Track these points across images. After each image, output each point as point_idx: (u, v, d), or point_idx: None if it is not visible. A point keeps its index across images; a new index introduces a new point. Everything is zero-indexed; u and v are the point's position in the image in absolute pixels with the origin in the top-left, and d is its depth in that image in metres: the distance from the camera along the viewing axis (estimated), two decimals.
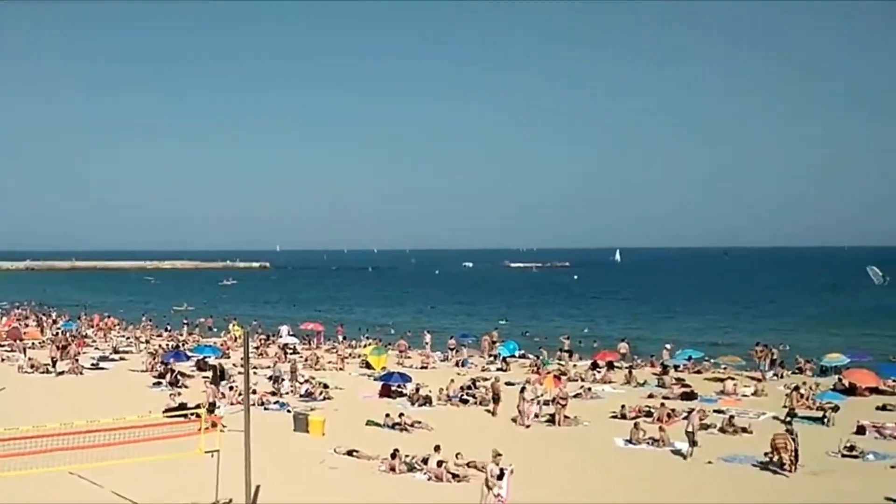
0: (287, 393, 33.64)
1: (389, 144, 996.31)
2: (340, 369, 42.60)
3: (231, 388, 32.87)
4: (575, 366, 42.33)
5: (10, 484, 16.78)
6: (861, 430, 26.09)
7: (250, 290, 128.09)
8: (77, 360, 41.56)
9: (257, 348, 47.89)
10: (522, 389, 29.46)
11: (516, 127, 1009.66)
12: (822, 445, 24.06)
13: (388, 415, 27.97)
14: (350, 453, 23.29)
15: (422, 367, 42.66)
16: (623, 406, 29.95)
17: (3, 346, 49.54)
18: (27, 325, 61.15)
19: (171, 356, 41.08)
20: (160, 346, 49.26)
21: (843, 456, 23.31)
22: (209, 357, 42.55)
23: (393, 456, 21.84)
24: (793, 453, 21.61)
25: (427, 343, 49.60)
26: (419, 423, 27.67)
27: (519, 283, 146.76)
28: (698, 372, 40.23)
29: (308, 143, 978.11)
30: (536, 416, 28.70)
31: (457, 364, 43.83)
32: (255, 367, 36.52)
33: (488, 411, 30.26)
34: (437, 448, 21.82)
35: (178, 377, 36.36)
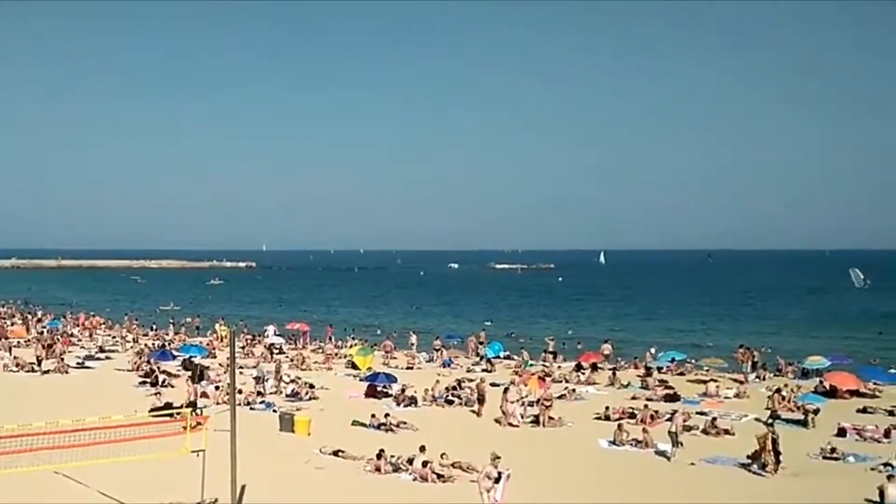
0: (272, 393, 33.67)
1: (377, 145, 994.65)
2: (329, 369, 42.70)
3: (217, 388, 32.90)
4: (559, 367, 42.51)
5: None
6: (842, 433, 26.37)
7: (236, 289, 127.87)
8: (62, 359, 41.46)
9: (243, 348, 47.89)
10: (506, 390, 29.62)
11: (503, 128, 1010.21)
12: (804, 447, 24.28)
13: (373, 415, 28.05)
14: (336, 453, 23.37)
15: (407, 368, 42.77)
16: (607, 407, 30.13)
17: None
18: (12, 324, 60.89)
19: (157, 355, 41.07)
20: (146, 345, 49.19)
21: (825, 458, 23.54)
22: (195, 356, 42.54)
23: (378, 456, 21.94)
24: (774, 455, 21.85)
25: (413, 344, 49.70)
26: (405, 423, 27.77)
27: (504, 284, 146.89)
28: (681, 374, 40.51)
29: (295, 144, 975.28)
30: (521, 416, 28.86)
31: (443, 365, 43.90)
32: (241, 367, 36.58)
33: (473, 412, 30.38)
34: (422, 448, 21.93)
35: (158, 377, 36.29)
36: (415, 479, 21.05)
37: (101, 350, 48.18)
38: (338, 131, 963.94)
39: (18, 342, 49.85)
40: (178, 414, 20.35)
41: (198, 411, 24.62)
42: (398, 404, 31.74)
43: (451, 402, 32.33)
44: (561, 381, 37.76)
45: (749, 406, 31.84)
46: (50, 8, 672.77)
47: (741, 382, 36.97)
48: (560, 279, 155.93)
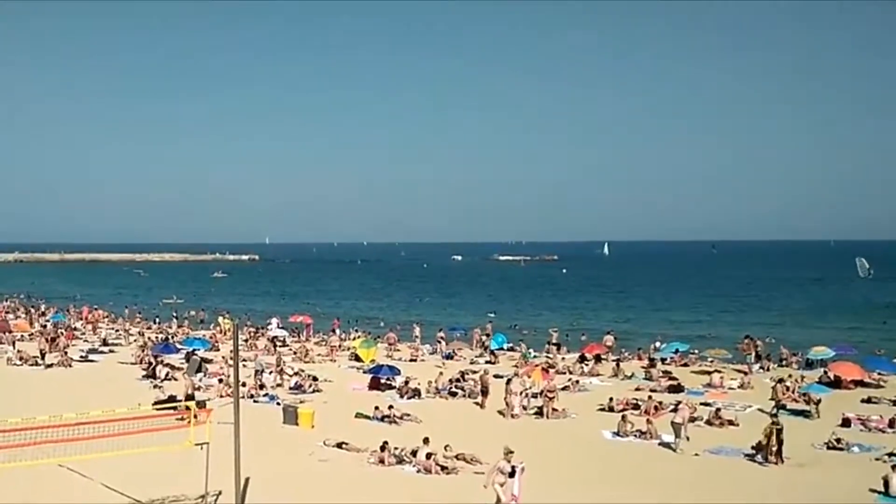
0: (273, 386, 33.60)
1: (380, 140, 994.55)
2: (333, 361, 42.73)
3: (220, 381, 32.90)
4: (563, 359, 42.47)
5: (1, 476, 16.78)
6: (846, 423, 26.32)
7: (240, 282, 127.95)
8: (66, 353, 41.48)
9: (246, 341, 47.87)
10: (509, 382, 29.61)
11: (506, 121, 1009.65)
12: (808, 438, 24.26)
13: (377, 407, 28.04)
14: (339, 445, 23.37)
15: (411, 360, 42.75)
16: (611, 399, 30.11)
17: None
18: (16, 318, 60.95)
19: (160, 348, 41.08)
20: (149, 338, 49.20)
21: (829, 448, 23.51)
22: (198, 349, 42.56)
23: (382, 448, 21.94)
24: (777, 445, 21.82)
25: (417, 336, 49.65)
26: (408, 415, 27.77)
27: (507, 276, 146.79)
28: (685, 365, 40.45)
29: (299, 137, 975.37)
30: (524, 408, 28.85)
31: (442, 357, 43.82)
32: (244, 360, 36.53)
33: (477, 404, 30.39)
34: (426, 440, 21.93)
35: (156, 370, 36.27)
36: (418, 471, 21.04)
37: (105, 343, 48.19)
38: (341, 127, 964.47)
39: (22, 336, 49.91)
40: (183, 407, 20.29)
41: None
42: (402, 396, 31.73)
43: (454, 394, 32.33)
44: (565, 373, 37.75)
45: (753, 397, 31.80)
46: (50, 8, 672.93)
47: (745, 373, 36.91)
48: (564, 271, 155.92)
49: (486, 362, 41.61)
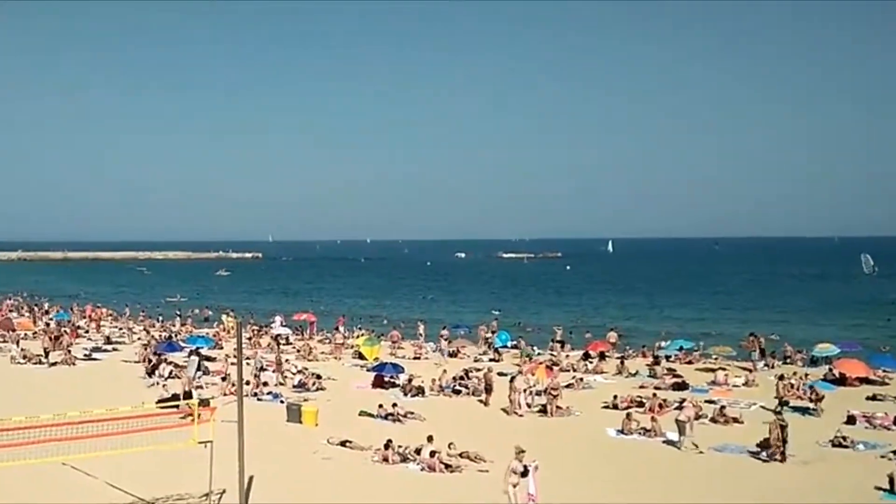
0: (276, 384, 33.54)
1: (384, 135, 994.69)
2: (337, 358, 42.74)
3: (223, 379, 32.88)
4: (567, 356, 42.42)
5: (4, 475, 16.76)
6: (851, 420, 26.26)
7: (243, 280, 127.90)
8: (70, 351, 41.49)
9: (250, 339, 47.87)
10: (512, 379, 29.58)
11: (510, 118, 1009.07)
12: (813, 435, 24.22)
13: (381, 405, 28.01)
14: (343, 444, 23.35)
15: (414, 358, 42.72)
16: (615, 396, 30.08)
17: None
18: (20, 316, 60.99)
19: (164, 347, 41.06)
20: (153, 336, 49.20)
21: (834, 446, 23.47)
22: (202, 348, 42.56)
23: (386, 446, 21.92)
24: (781, 442, 21.77)
25: (421, 334, 49.59)
26: (412, 413, 27.74)
27: (511, 273, 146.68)
28: (689, 362, 40.37)
29: (301, 134, 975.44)
30: (528, 406, 28.82)
31: (441, 354, 43.74)
32: (247, 358, 36.51)
33: (481, 401, 30.36)
34: (429, 438, 21.91)
35: (156, 368, 36.25)
36: (423, 469, 21.01)
37: (108, 341, 48.19)
38: (344, 122, 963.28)
39: (26, 334, 49.93)
40: (185, 405, 20.29)
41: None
42: (405, 394, 31.70)
43: (458, 392, 32.29)
44: (569, 371, 37.70)
45: (758, 394, 31.73)
46: (50, 7, 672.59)
47: (750, 370, 36.84)
48: (568, 268, 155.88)
49: (490, 360, 41.58)
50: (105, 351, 44.90)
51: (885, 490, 18.85)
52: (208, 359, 40.05)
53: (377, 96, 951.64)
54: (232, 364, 34.19)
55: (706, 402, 29.29)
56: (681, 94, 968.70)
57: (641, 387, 33.46)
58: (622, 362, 38.86)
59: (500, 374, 34.23)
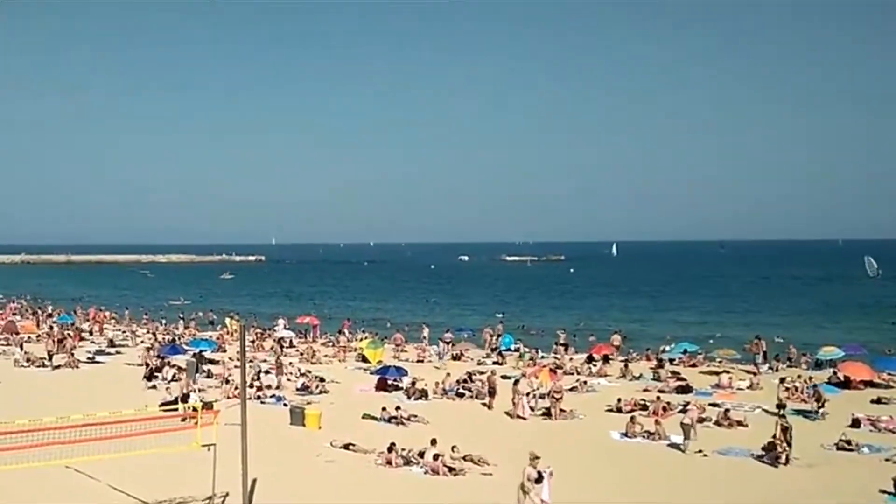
0: (278, 387, 33.49)
1: (386, 136, 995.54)
2: (342, 360, 42.79)
3: (227, 382, 32.88)
4: (571, 359, 42.37)
5: (7, 478, 16.76)
6: (856, 424, 26.19)
7: (246, 283, 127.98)
8: (73, 354, 41.51)
9: (253, 342, 47.85)
10: (516, 382, 29.56)
11: (514, 120, 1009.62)
12: (818, 438, 24.17)
13: (384, 408, 27.97)
14: (346, 447, 23.33)
15: (418, 361, 42.68)
16: (619, 399, 30.05)
17: None
18: (24, 319, 61.03)
19: (167, 350, 41.05)
20: (157, 339, 49.22)
21: (838, 449, 23.41)
22: (205, 350, 42.56)
23: (389, 449, 21.90)
24: (785, 445, 21.73)
25: (425, 337, 49.54)
26: (415, 416, 27.70)
27: (514, 276, 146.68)
28: (694, 365, 40.31)
29: (303, 135, 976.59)
30: (532, 409, 28.78)
31: (456, 357, 43.70)
32: (251, 361, 36.51)
33: (484, 405, 30.31)
34: (433, 441, 21.89)
35: (155, 372, 36.27)
36: (426, 473, 20.98)
37: (112, 344, 48.19)
38: (345, 123, 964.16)
39: (29, 337, 49.97)
40: (189, 408, 20.25)
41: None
42: (409, 397, 31.67)
43: (461, 395, 32.26)
44: (572, 374, 37.65)
45: (762, 397, 31.64)
46: (49, 7, 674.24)
47: (754, 374, 36.77)
48: (571, 271, 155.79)
49: (494, 363, 41.54)
50: (108, 354, 44.88)
51: (889, 493, 18.80)
52: (211, 362, 40.11)
53: (378, 97, 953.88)
54: (235, 367, 34.22)
55: (710, 405, 29.25)
56: (684, 95, 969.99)
57: (645, 390, 33.41)
58: (626, 365, 38.83)
59: (503, 377, 34.20)
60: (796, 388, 31.16)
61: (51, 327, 54.75)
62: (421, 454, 21.71)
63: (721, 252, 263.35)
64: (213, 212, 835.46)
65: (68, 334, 49.16)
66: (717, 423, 26.54)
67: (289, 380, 35.01)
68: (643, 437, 25.08)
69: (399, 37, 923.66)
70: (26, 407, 24.91)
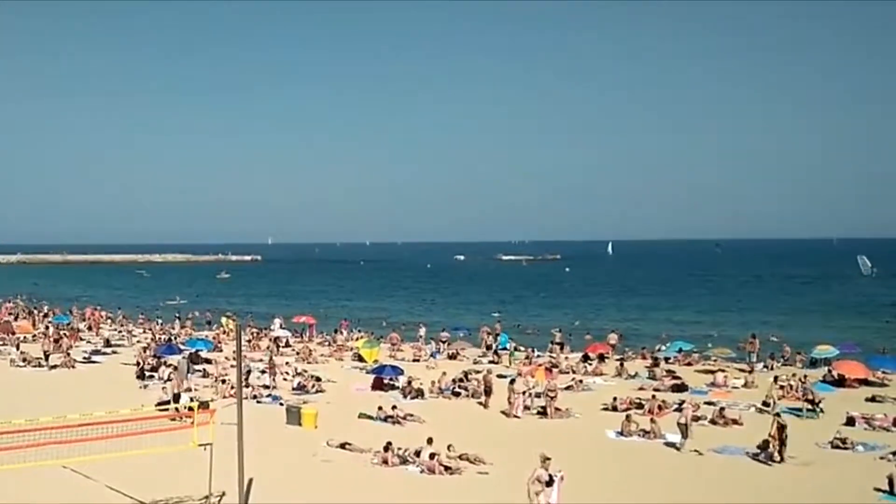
0: (271, 386, 33.44)
1: (383, 140, 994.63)
2: (339, 359, 42.85)
3: (223, 382, 32.89)
4: (566, 358, 42.44)
5: (3, 478, 16.77)
6: (850, 422, 26.28)
7: (242, 283, 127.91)
8: (69, 354, 41.48)
9: (249, 342, 47.87)
10: (512, 381, 29.61)
11: (510, 120, 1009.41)
12: (812, 437, 24.24)
13: (380, 407, 28.00)
14: (343, 446, 23.35)
15: (414, 360, 42.71)
16: (614, 398, 30.10)
17: None
18: (15, 318, 60.95)
19: (163, 350, 41.05)
20: (152, 338, 49.22)
21: (833, 447, 23.49)
22: (202, 350, 42.60)
23: (386, 448, 21.92)
24: (780, 443, 21.80)
25: (421, 336, 49.59)
26: (412, 415, 27.73)
27: (511, 275, 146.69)
28: (689, 364, 40.41)
29: (301, 136, 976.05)
30: (527, 408, 28.83)
31: (452, 356, 43.73)
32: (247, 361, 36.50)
33: (480, 404, 30.37)
34: (429, 440, 21.91)
35: (145, 371, 36.31)
36: (422, 472, 21.01)
37: (108, 344, 48.18)
38: (342, 128, 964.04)
39: (25, 337, 49.92)
40: (185, 408, 20.28)
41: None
42: (405, 396, 31.70)
43: (457, 394, 32.30)
44: (568, 372, 37.71)
45: (757, 395, 31.64)
46: (50, 8, 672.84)
47: (749, 372, 36.85)
48: (567, 270, 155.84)
49: (490, 362, 41.59)
50: (105, 354, 44.88)
51: (884, 491, 18.87)
52: (207, 361, 40.12)
53: (374, 98, 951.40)
54: (232, 366, 34.26)
55: (705, 403, 29.34)
56: (681, 96, 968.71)
57: (641, 388, 33.51)
58: (621, 364, 38.90)
59: (499, 376, 34.27)
60: (791, 387, 31.23)
61: (46, 327, 54.80)
62: (417, 453, 21.72)
63: (717, 251, 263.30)
64: (210, 212, 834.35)
65: (64, 334, 49.19)
66: (713, 422, 26.60)
67: (285, 379, 35.01)
68: (639, 435, 25.13)
69: (395, 37, 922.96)
70: (23, 407, 24.88)
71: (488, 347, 45.91)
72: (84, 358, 42.56)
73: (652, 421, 25.64)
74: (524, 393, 29.23)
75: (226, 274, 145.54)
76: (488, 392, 30.27)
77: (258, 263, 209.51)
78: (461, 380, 33.97)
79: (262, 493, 18.31)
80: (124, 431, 17.00)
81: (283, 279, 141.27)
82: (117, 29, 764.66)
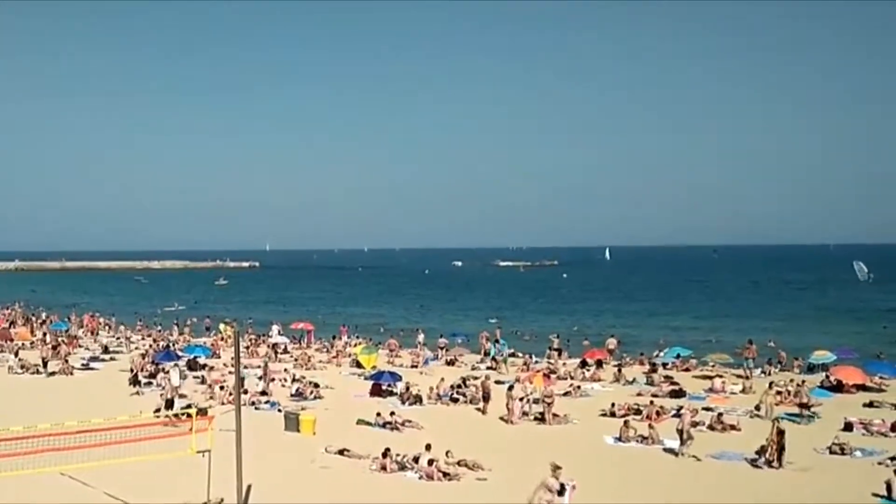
0: (267, 392, 33.36)
1: (381, 143, 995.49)
2: (338, 365, 42.99)
3: (221, 388, 32.88)
4: (564, 364, 42.44)
5: (2, 485, 16.79)
6: (848, 427, 26.30)
7: (240, 289, 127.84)
8: (67, 361, 41.46)
9: (247, 348, 47.83)
10: (510, 388, 29.63)
11: (507, 125, 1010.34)
12: (810, 442, 24.27)
13: (378, 414, 28.02)
14: (341, 452, 23.35)
15: (412, 366, 42.70)
16: (612, 404, 30.12)
17: None
18: (11, 325, 60.86)
19: (161, 356, 41.03)
20: (150, 345, 49.19)
21: (831, 452, 23.51)
22: (199, 357, 42.59)
23: (384, 455, 21.92)
24: (778, 448, 21.82)
25: (420, 342, 49.56)
26: (410, 421, 27.73)
27: (508, 281, 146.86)
28: (687, 370, 40.41)
29: (299, 142, 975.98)
30: (526, 414, 28.85)
31: (450, 363, 43.72)
32: (245, 367, 36.50)
33: (479, 410, 30.37)
34: (427, 447, 21.93)
35: (138, 377, 36.27)
36: (420, 478, 21.02)
37: (106, 351, 48.16)
38: (340, 130, 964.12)
39: (23, 344, 49.86)
40: (183, 415, 20.30)
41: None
42: (403, 402, 31.71)
43: (456, 401, 32.29)
44: (566, 378, 37.72)
45: (755, 401, 31.68)
46: (50, 8, 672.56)
47: (746, 378, 36.86)
48: (565, 276, 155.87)
49: (488, 368, 41.60)
50: (102, 360, 44.86)
51: (882, 497, 18.90)
52: (205, 367, 40.11)
53: (376, 104, 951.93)
54: (230, 373, 34.26)
55: (703, 409, 29.37)
56: (677, 100, 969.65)
57: (639, 394, 33.54)
58: (619, 370, 38.91)
59: (497, 382, 34.29)
60: (789, 392, 31.27)
61: (44, 334, 54.74)
62: (415, 459, 21.74)
63: (714, 257, 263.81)
64: (209, 212, 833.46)
65: (62, 341, 49.18)
66: (711, 427, 26.62)
67: (283, 385, 35.00)
68: (637, 441, 25.15)
69: (395, 38, 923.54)
70: (21, 413, 24.96)
71: (486, 354, 45.91)
72: (82, 365, 42.56)
73: (650, 427, 25.67)
74: (522, 399, 29.25)
75: (224, 280, 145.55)
76: (486, 398, 30.28)
77: (256, 270, 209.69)
78: (459, 386, 33.99)
79: (261, 500, 18.33)
80: (122, 438, 17.03)
81: (281, 285, 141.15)
82: (117, 29, 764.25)
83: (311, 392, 33.59)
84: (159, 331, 60.06)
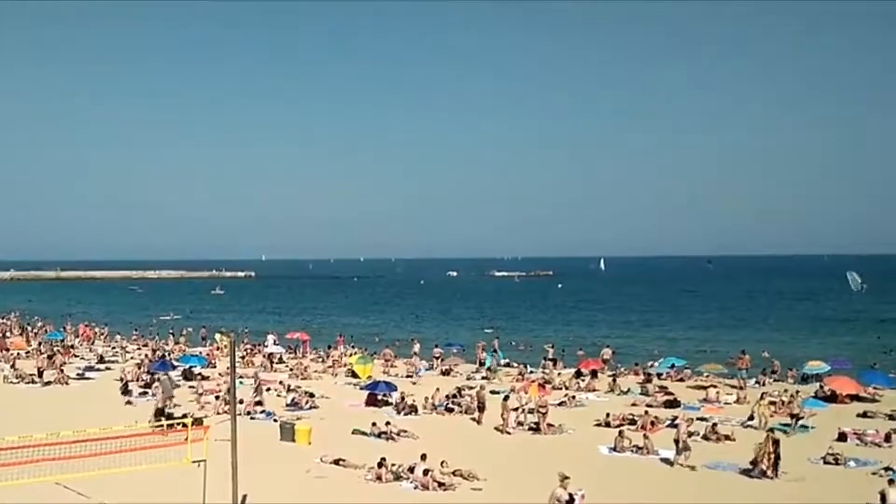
0: (262, 403, 33.32)
1: (376, 153, 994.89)
2: (334, 374, 42.99)
3: (217, 398, 32.88)
4: (559, 374, 42.51)
5: None
6: (842, 437, 26.41)
7: (236, 299, 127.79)
8: (63, 371, 41.42)
9: (243, 358, 47.81)
10: (506, 398, 29.69)
11: (502, 135, 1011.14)
12: (804, 452, 24.33)
13: (374, 423, 28.05)
14: (336, 462, 23.38)
15: (407, 376, 42.71)
16: (607, 414, 30.20)
17: None
18: (4, 335, 60.75)
19: (157, 366, 41.02)
20: (146, 355, 49.14)
21: (826, 463, 23.58)
22: (195, 367, 42.59)
23: (379, 465, 21.96)
24: (771, 458, 21.89)
25: (415, 352, 49.53)
26: (405, 431, 27.76)
27: (503, 291, 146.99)
28: (681, 380, 40.52)
29: (294, 152, 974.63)
30: (521, 424, 28.91)
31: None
32: (240, 377, 36.52)
33: (474, 420, 30.41)
34: (423, 457, 21.96)
35: (128, 386, 36.31)
36: (416, 488, 21.07)
37: (101, 360, 48.15)
38: (335, 140, 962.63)
39: (19, 354, 49.80)
40: (178, 424, 20.32)
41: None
42: (399, 412, 31.74)
43: (451, 410, 32.33)
44: (561, 388, 37.77)
45: (749, 411, 31.82)
46: (49, 9, 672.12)
47: (740, 388, 36.95)
48: (560, 286, 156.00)
49: (483, 378, 41.64)
50: (98, 370, 44.84)
51: None
52: (201, 377, 40.11)
53: (370, 114, 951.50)
54: (225, 383, 34.24)
55: (698, 419, 29.42)
56: (671, 111, 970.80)
57: (633, 404, 33.61)
58: (614, 380, 39.01)
59: (492, 392, 34.34)
60: (783, 402, 31.36)
61: (40, 343, 54.71)
62: (411, 469, 21.78)
63: (708, 267, 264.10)
64: (203, 228, 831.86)
65: (58, 350, 49.15)
66: (705, 438, 26.67)
67: (279, 395, 35.01)
68: (632, 451, 25.21)
69: (386, 51, 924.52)
70: (16, 423, 24.91)
71: (481, 364, 45.96)
72: (78, 374, 42.53)
73: (645, 437, 25.74)
74: (517, 409, 29.31)
75: (220, 290, 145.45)
76: (481, 408, 30.32)
77: (252, 279, 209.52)
78: (454, 396, 34.04)
79: None
80: (118, 448, 17.05)
81: (277, 295, 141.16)
82: (117, 29, 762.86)
83: (307, 402, 33.60)
84: (155, 340, 59.99)
